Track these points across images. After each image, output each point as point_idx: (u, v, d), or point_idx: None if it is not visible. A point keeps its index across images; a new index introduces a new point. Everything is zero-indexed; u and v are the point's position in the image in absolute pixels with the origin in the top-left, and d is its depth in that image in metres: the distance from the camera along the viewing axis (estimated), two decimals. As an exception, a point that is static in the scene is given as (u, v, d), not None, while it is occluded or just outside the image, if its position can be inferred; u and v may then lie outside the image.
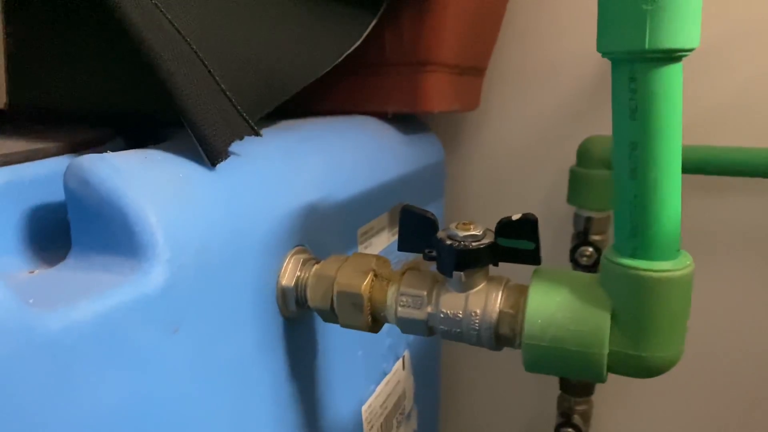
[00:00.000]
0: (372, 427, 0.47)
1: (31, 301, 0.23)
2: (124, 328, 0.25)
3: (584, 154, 0.63)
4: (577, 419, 0.68)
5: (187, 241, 0.28)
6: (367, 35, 0.48)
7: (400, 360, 0.53)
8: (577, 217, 0.65)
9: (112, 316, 0.24)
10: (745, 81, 0.62)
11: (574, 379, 0.66)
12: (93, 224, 0.27)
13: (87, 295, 0.24)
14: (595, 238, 0.64)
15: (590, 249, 0.64)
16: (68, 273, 0.27)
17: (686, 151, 0.28)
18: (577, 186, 0.64)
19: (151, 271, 0.26)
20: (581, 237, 0.65)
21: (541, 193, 0.72)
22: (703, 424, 0.72)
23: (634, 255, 0.27)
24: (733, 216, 0.65)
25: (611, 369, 0.29)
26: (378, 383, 0.49)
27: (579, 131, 0.65)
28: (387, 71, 0.53)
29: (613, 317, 0.28)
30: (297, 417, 0.37)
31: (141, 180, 0.28)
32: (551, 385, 0.70)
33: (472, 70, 0.63)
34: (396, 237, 0.33)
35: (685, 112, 0.26)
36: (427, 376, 0.63)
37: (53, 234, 0.30)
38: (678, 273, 0.27)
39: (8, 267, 0.28)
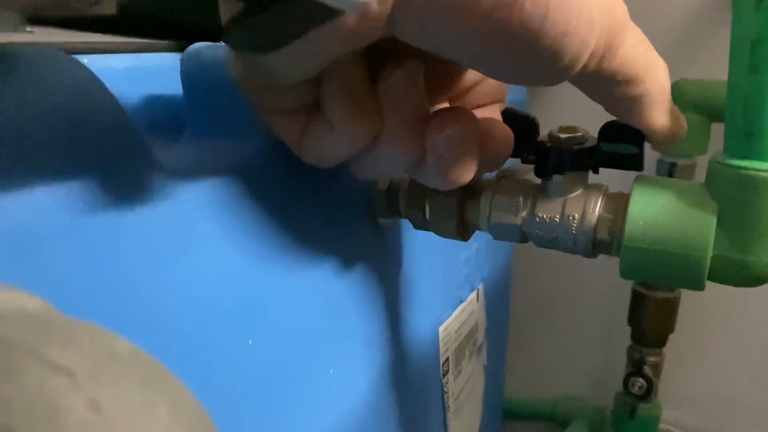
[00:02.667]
0: (447, 349, 0.48)
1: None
2: (243, 194, 0.26)
3: (673, 98, 0.61)
4: (648, 370, 0.67)
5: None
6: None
7: (475, 291, 0.54)
8: (660, 163, 0.63)
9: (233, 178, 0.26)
10: None
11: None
12: (207, 108, 0.29)
13: (204, 163, 0.25)
14: (679, 185, 0.62)
15: (673, 196, 0.62)
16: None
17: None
18: (663, 131, 0.62)
19: (262, 152, 0.27)
20: (664, 184, 0.63)
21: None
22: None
23: (746, 156, 0.27)
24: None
25: (712, 275, 0.28)
26: (454, 309, 0.49)
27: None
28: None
29: (719, 221, 0.27)
30: (380, 320, 0.38)
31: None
32: (621, 335, 0.70)
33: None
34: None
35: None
36: (498, 315, 0.64)
37: (166, 122, 0.31)
38: (793, 175, 0.26)
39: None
